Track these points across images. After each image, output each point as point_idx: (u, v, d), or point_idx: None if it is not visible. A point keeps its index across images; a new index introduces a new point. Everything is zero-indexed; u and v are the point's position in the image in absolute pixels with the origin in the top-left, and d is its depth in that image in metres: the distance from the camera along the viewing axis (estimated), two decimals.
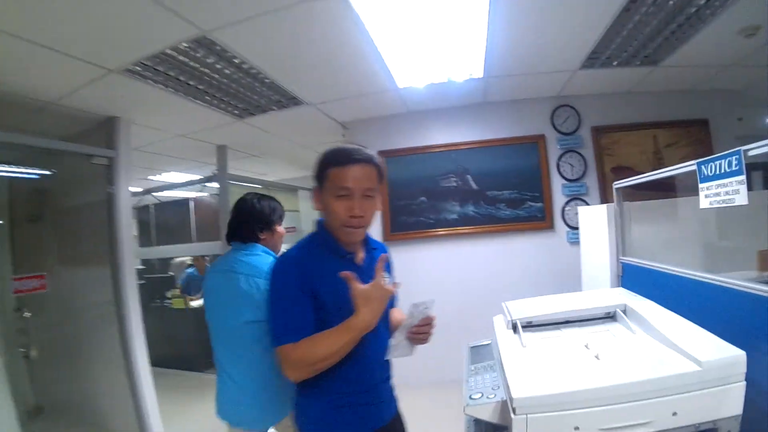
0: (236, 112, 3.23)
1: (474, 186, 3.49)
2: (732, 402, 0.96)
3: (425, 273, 3.44)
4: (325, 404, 1.12)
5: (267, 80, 2.69)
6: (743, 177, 1.33)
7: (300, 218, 5.93)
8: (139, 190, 4.80)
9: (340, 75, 2.76)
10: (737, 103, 4.03)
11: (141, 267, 5.83)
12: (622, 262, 2.39)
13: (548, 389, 1.01)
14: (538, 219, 3.47)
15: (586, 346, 1.23)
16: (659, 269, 1.93)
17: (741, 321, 1.29)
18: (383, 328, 1.22)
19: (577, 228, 3.49)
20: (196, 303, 4.69)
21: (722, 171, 1.43)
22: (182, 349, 4.55)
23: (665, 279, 1.85)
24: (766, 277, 2.30)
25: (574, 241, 3.48)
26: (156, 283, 5.11)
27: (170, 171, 5.03)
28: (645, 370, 1.03)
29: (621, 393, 0.98)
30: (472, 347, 1.50)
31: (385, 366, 1.23)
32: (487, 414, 1.11)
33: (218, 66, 2.41)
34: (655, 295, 1.58)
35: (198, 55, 2.24)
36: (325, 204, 1.14)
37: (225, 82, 2.66)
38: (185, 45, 2.12)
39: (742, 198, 1.34)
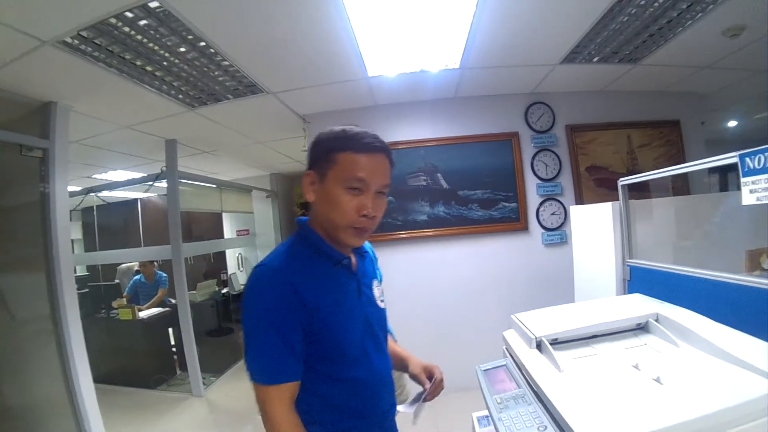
0: (187, 100, 2.92)
1: (445, 185, 3.29)
2: None
3: (392, 279, 3.20)
4: None
5: (224, 62, 2.40)
6: None
7: (254, 220, 5.65)
8: (79, 189, 4.39)
9: (307, 59, 2.50)
10: (706, 106, 4.06)
11: (85, 274, 5.39)
12: (629, 265, 2.23)
13: (622, 428, 0.81)
14: (512, 220, 3.31)
15: (636, 367, 1.04)
16: (677, 271, 1.81)
17: None
18: (385, 350, 1.09)
19: (552, 229, 3.37)
20: (145, 313, 4.33)
21: None
22: (132, 364, 4.19)
23: (684, 282, 1.73)
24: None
25: (550, 243, 3.35)
26: (100, 291, 4.67)
27: (116, 169, 4.61)
28: (724, 395, 0.86)
29: (710, 425, 0.80)
30: (486, 371, 1.25)
31: (390, 393, 1.07)
32: None
33: (169, 43, 2.11)
34: (674, 300, 1.45)
35: (146, 27, 1.95)
36: (328, 196, 0.91)
37: (176, 63, 2.35)
38: (132, 13, 1.82)
39: None
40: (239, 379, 4.32)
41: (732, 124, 5.05)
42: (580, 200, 3.37)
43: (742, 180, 1.42)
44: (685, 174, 3.73)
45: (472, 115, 3.39)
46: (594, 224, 2.50)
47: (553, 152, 3.42)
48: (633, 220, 2.28)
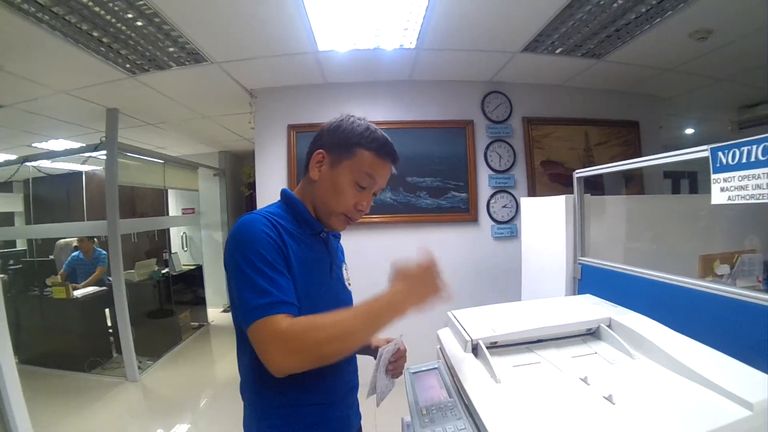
0: (128, 65, 2.79)
1: (393, 170, 3.23)
2: None
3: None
4: (294, 425, 0.93)
5: (165, 26, 2.29)
6: None
7: (200, 198, 5.53)
8: (13, 157, 4.20)
9: (252, 27, 2.40)
10: (665, 110, 4.13)
11: (23, 249, 5.19)
12: (581, 264, 2.13)
13: None
14: (462, 210, 3.28)
15: (585, 381, 0.94)
16: (631, 273, 1.74)
17: (757, 339, 1.12)
18: None
19: (503, 222, 3.35)
20: (80, 292, 4.17)
21: (753, 159, 1.21)
22: (64, 346, 4.01)
23: (638, 284, 1.66)
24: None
25: (500, 236, 3.34)
26: (35, 268, 4.49)
27: (57, 138, 4.41)
28: (685, 420, 0.77)
29: None
30: (414, 373, 1.14)
31: (354, 371, 1.09)
32: None
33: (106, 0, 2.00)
34: (627, 304, 1.34)
35: None
36: (335, 182, 0.96)
37: (114, 23, 2.24)
38: None
39: None
40: (177, 364, 4.21)
41: (689, 131, 5.16)
42: (532, 194, 3.36)
43: (713, 177, 1.32)
44: (641, 177, 3.78)
45: (426, 100, 3.33)
46: (546, 218, 2.41)
47: (508, 143, 3.40)
48: (587, 216, 2.18)
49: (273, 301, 0.80)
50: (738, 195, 1.23)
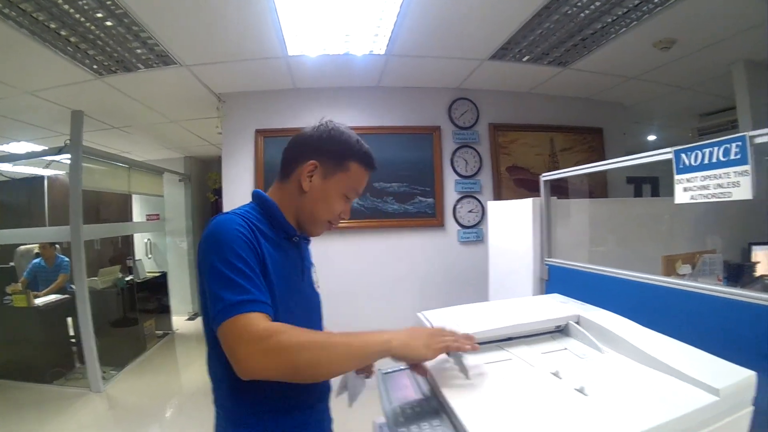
0: (95, 66, 2.92)
1: None
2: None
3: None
4: (272, 431, 0.97)
5: (134, 26, 2.40)
6: (748, 167, 1.21)
7: (164, 204, 5.68)
8: None
9: (222, 30, 2.53)
10: (628, 117, 4.45)
11: None
12: (548, 264, 2.27)
13: None
14: (428, 215, 3.52)
15: (557, 375, 1.00)
16: (597, 272, 1.83)
17: (719, 331, 1.21)
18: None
19: (469, 227, 3.60)
20: (42, 300, 4.27)
21: (714, 160, 1.33)
22: (25, 357, 4.09)
23: (605, 283, 1.74)
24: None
25: (466, 241, 3.58)
26: None
27: (20, 140, 4.53)
28: (655, 408, 0.84)
29: None
30: (386, 374, 1.16)
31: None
32: None
33: None
34: (594, 302, 1.41)
35: None
36: (325, 193, 1.03)
37: (83, 22, 2.34)
38: None
39: (744, 191, 1.21)
40: (142, 374, 4.32)
41: (652, 137, 5.52)
42: (498, 199, 3.61)
43: (676, 177, 1.43)
44: (605, 182, 4.08)
45: (394, 106, 3.58)
46: (513, 221, 2.59)
47: (474, 149, 3.66)
48: (553, 218, 2.34)
49: (249, 298, 0.81)
50: (700, 194, 1.36)
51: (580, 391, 0.90)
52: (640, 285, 1.56)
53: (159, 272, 5.75)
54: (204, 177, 6.39)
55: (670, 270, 2.68)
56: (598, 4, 2.39)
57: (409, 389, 1.06)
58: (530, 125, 3.83)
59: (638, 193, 4.65)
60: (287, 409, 0.98)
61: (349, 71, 3.28)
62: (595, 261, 2.20)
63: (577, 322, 1.24)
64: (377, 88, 3.58)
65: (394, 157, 3.51)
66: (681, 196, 1.41)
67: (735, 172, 1.24)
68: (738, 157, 1.23)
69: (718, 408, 0.81)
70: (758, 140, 1.17)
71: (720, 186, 1.29)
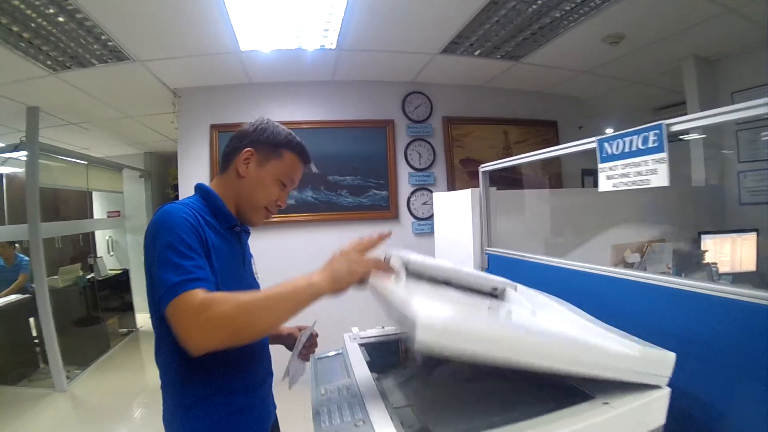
0: (49, 62, 2.95)
1: (314, 169, 3.57)
2: (656, 411, 0.90)
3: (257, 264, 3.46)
4: (222, 413, 1.02)
5: (87, 22, 2.44)
6: (665, 154, 1.26)
7: (124, 201, 5.73)
8: None
9: (174, 26, 2.61)
10: (581, 111, 4.64)
11: None
12: (487, 253, 2.34)
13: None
14: (383, 208, 3.66)
15: (493, 309, 1.05)
16: (536, 261, 1.86)
17: (652, 317, 1.22)
18: None
19: (423, 219, 3.74)
20: (3, 300, 4.29)
21: (634, 148, 1.38)
22: None
23: (546, 272, 1.76)
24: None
25: (420, 232, 3.73)
26: None
27: None
28: (587, 336, 0.90)
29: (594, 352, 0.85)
30: (319, 359, 1.26)
31: (269, 360, 1.21)
32: None
33: None
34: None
35: None
36: (261, 178, 1.12)
37: (35, 18, 2.38)
38: None
39: (661, 178, 1.27)
40: (107, 372, 4.39)
41: (609, 131, 5.74)
42: (452, 191, 3.76)
43: (600, 166, 1.48)
44: (560, 174, 4.26)
45: (348, 100, 3.71)
46: (455, 211, 2.66)
47: (428, 142, 3.81)
48: (493, 208, 2.41)
49: (191, 277, 0.86)
50: (621, 182, 1.40)
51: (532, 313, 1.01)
52: (577, 273, 1.58)
53: (121, 269, 5.80)
54: (164, 173, 6.46)
55: (618, 259, 2.83)
56: (540, 1, 2.51)
57: (337, 372, 1.13)
58: (484, 118, 3.99)
59: (595, 184, 4.87)
60: (233, 390, 1.04)
61: (302, 66, 3.37)
62: (547, 252, 2.25)
63: (515, 290, 1.28)
64: (331, 83, 3.70)
65: (348, 150, 3.64)
66: (604, 185, 1.46)
67: (653, 159, 1.30)
68: (656, 145, 1.29)
69: (637, 366, 0.88)
70: (674, 128, 1.23)
71: (639, 174, 1.34)
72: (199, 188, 1.14)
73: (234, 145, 1.15)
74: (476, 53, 3.28)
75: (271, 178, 1.13)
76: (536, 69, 3.60)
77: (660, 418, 0.88)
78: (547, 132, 4.21)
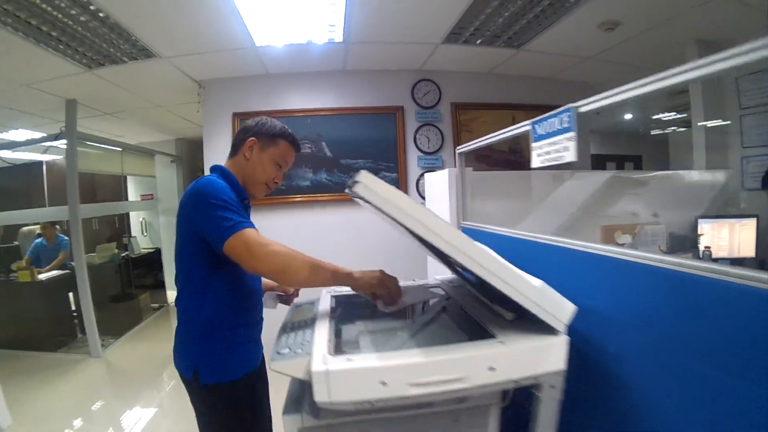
0: (85, 61, 3.34)
1: (328, 153, 3.90)
2: (554, 356, 1.01)
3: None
4: (228, 341, 1.34)
5: (117, 27, 2.81)
6: (574, 134, 1.43)
7: (156, 184, 6.16)
8: None
9: (194, 27, 2.95)
10: (592, 96, 4.77)
11: None
12: (462, 227, 2.59)
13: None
14: None
15: None
16: (497, 232, 2.08)
17: (577, 278, 1.34)
18: None
19: None
20: (45, 275, 4.76)
21: (554, 129, 1.53)
22: (31, 328, 4.61)
23: (506, 242, 1.93)
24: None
25: None
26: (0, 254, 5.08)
27: (17, 128, 5.00)
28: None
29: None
30: (297, 306, 1.53)
31: (261, 305, 1.55)
32: (294, 370, 1.03)
33: (62, 5, 2.51)
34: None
35: None
36: (262, 161, 1.48)
37: (70, 25, 2.75)
38: None
39: (571, 155, 1.44)
40: (138, 341, 4.86)
41: (628, 116, 5.86)
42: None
43: (533, 146, 1.66)
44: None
45: (359, 88, 3.99)
46: (437, 189, 2.99)
47: (436, 127, 4.07)
48: (468, 186, 2.68)
49: (247, 221, 1.26)
50: (545, 159, 1.58)
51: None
52: (533, 243, 1.70)
53: (153, 248, 6.31)
54: (195, 157, 6.83)
55: (608, 239, 3.00)
56: None
57: (305, 314, 1.39)
58: (491, 104, 4.21)
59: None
60: (237, 324, 1.37)
61: (314, 57, 3.66)
62: (534, 231, 2.55)
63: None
64: (343, 72, 3.98)
65: (360, 135, 3.94)
66: (535, 161, 1.64)
67: (566, 138, 1.47)
68: (567, 125, 1.46)
69: (538, 297, 1.02)
70: (582, 110, 1.39)
71: (557, 151, 1.52)
72: (219, 168, 1.48)
73: (240, 136, 1.51)
74: (478, 42, 3.47)
75: (270, 161, 1.49)
76: (538, 56, 3.76)
77: (559, 363, 1.01)
78: None
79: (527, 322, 1.07)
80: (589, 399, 1.25)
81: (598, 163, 6.73)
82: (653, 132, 6.48)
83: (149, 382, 3.85)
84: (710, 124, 3.66)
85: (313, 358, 0.98)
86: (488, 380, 0.97)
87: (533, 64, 4.00)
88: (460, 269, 1.58)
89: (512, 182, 3.15)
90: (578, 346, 1.21)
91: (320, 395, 0.92)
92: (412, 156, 4.03)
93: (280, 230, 3.82)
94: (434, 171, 3.99)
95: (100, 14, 2.68)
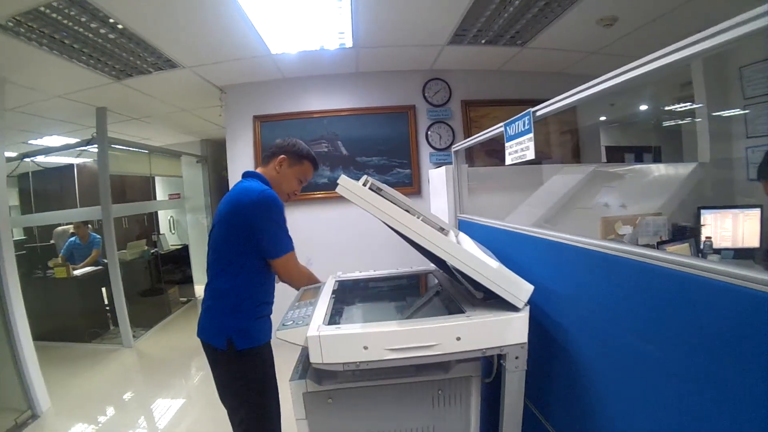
0: (113, 72, 3.66)
1: (344, 152, 4.17)
2: (516, 330, 1.17)
3: (296, 235, 4.08)
4: (252, 315, 1.68)
5: (142, 42, 3.09)
6: (532, 135, 1.65)
7: (183, 184, 6.51)
8: (14, 155, 5.16)
9: (213, 39, 3.23)
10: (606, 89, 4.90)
11: (21, 238, 6.18)
12: (459, 219, 2.87)
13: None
14: (406, 184, 4.19)
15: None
16: (487, 224, 2.27)
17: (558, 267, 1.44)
18: None
19: None
20: (80, 271, 5.14)
21: (519, 131, 1.73)
22: (67, 320, 4.98)
23: (493, 233, 2.13)
24: (610, 241, 2.97)
25: None
26: (37, 253, 5.48)
27: (51, 134, 5.37)
28: (476, 254, 1.25)
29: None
30: (305, 289, 1.73)
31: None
32: (294, 338, 1.23)
33: (93, 25, 2.78)
34: (489, 248, 1.74)
35: (72, 13, 2.60)
36: (287, 176, 1.85)
37: (100, 42, 3.04)
38: (58, 3, 2.50)
39: (530, 154, 1.67)
40: (167, 332, 5.23)
41: (643, 107, 5.95)
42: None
43: (506, 145, 1.87)
44: (578, 149, 4.63)
45: (372, 89, 4.24)
46: (439, 184, 3.20)
47: (447, 125, 4.30)
48: (464, 182, 2.94)
49: (292, 245, 1.71)
50: (513, 157, 1.79)
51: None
52: (518, 235, 1.80)
53: (181, 245, 6.70)
54: (220, 157, 7.17)
55: (609, 231, 3.15)
56: None
57: (312, 294, 1.61)
58: (501, 100, 4.40)
59: (639, 161, 5.14)
60: (260, 302, 1.73)
61: (327, 62, 3.91)
62: (536, 223, 2.76)
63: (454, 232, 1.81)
64: (356, 74, 4.23)
65: (374, 134, 4.20)
66: (508, 159, 1.87)
67: (527, 138, 1.70)
68: (527, 127, 1.69)
69: (496, 278, 1.18)
70: (539, 113, 1.62)
71: (522, 150, 1.74)
72: (259, 176, 1.81)
73: (273, 150, 1.87)
74: (482, 42, 3.65)
75: (294, 176, 1.87)
76: (543, 52, 3.93)
77: (520, 336, 1.16)
78: (565, 112, 4.55)
79: (498, 302, 1.21)
80: (552, 370, 1.42)
81: (616, 155, 6.81)
82: (666, 123, 6.56)
83: (178, 369, 4.18)
84: (718, 113, 3.78)
85: (310, 327, 1.19)
86: (456, 348, 1.14)
87: (541, 60, 4.16)
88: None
89: (507, 177, 3.37)
90: (542, 323, 1.45)
91: (314, 357, 1.13)
92: (425, 152, 4.26)
93: (302, 224, 4.11)
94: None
95: (126, 31, 2.95)
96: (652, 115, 6.34)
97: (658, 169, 3.58)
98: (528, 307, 1.19)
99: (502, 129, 1.93)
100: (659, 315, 0.92)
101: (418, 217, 1.32)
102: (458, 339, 1.13)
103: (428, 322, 1.17)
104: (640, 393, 1.00)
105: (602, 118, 5.47)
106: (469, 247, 1.53)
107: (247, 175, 1.83)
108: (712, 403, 0.79)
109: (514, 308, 1.18)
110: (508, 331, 1.16)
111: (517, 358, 1.18)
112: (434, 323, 1.16)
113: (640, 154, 7.05)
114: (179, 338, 5.02)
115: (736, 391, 0.73)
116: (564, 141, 4.68)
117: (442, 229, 1.73)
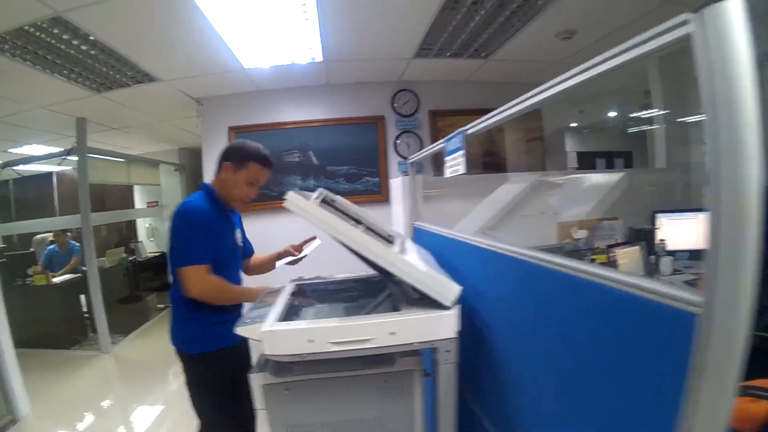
0: (94, 86, 3.89)
1: (315, 161, 4.41)
2: (445, 326, 1.28)
3: (270, 241, 4.29)
4: (208, 321, 1.76)
5: (121, 57, 3.29)
6: (463, 152, 1.89)
7: (161, 192, 6.74)
8: None
9: (187, 54, 3.45)
10: (570, 97, 5.17)
11: (1, 246, 6.36)
12: (414, 227, 3.07)
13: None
14: (375, 192, 4.45)
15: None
16: (435, 231, 2.41)
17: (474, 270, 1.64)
18: (238, 267, 2.13)
19: None
20: (59, 279, 5.33)
21: (455, 147, 1.97)
22: (47, 327, 5.16)
23: (440, 240, 2.26)
24: (566, 245, 3.21)
25: None
26: (17, 260, 5.64)
27: (32, 143, 5.59)
28: (412, 260, 1.36)
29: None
30: (269, 291, 1.80)
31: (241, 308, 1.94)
32: (252, 333, 1.35)
33: (74, 42, 2.94)
34: (439, 254, 1.94)
35: (55, 32, 2.77)
36: (235, 182, 1.86)
37: (81, 58, 3.22)
38: (42, 23, 2.63)
39: (462, 168, 1.90)
40: (144, 338, 5.44)
41: (612, 114, 6.26)
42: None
43: (446, 159, 2.09)
44: (543, 156, 4.91)
45: (342, 100, 4.49)
46: (396, 193, 3.47)
47: (415, 134, 4.56)
48: (419, 191, 3.19)
49: (198, 256, 1.69)
50: (451, 171, 2.03)
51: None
52: (473, 247, 1.83)
53: (159, 252, 6.92)
54: (197, 165, 7.41)
55: (564, 235, 3.38)
56: (490, 4, 2.98)
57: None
58: (467, 110, 4.64)
59: (610, 166, 5.42)
60: (216, 308, 1.80)
61: (299, 75, 4.14)
62: (488, 228, 3.05)
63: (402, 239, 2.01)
64: (327, 86, 4.49)
65: (344, 144, 4.45)
66: (447, 172, 2.09)
67: (460, 155, 1.94)
68: (459, 145, 1.95)
69: (424, 280, 1.30)
70: (470, 132, 1.88)
71: (457, 165, 1.98)
72: (205, 186, 1.92)
73: (220, 159, 1.90)
74: (448, 55, 3.88)
75: (242, 181, 1.86)
76: (507, 64, 4.18)
77: (450, 331, 1.29)
78: (531, 120, 4.82)
79: (431, 301, 1.32)
80: (487, 367, 1.58)
81: (587, 161, 7.10)
82: (631, 130, 6.86)
83: (155, 374, 4.37)
84: (683, 120, 4.06)
85: (264, 324, 1.32)
86: (390, 342, 1.27)
87: (504, 71, 4.41)
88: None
89: (475, 183, 3.62)
90: (478, 324, 1.64)
91: (268, 350, 1.28)
92: (393, 161, 4.52)
93: (272, 232, 4.31)
94: None
95: (105, 48, 3.15)
96: (620, 122, 6.66)
97: (596, 177, 3.86)
98: (459, 306, 1.31)
99: (444, 144, 2.18)
100: (571, 318, 1.04)
101: (361, 229, 1.43)
102: (392, 334, 1.26)
103: (366, 319, 1.32)
104: (556, 388, 1.14)
105: (573, 125, 5.74)
106: (410, 253, 1.68)
107: (199, 186, 1.96)
108: (609, 393, 0.92)
109: (445, 307, 1.31)
110: (439, 327, 1.28)
111: (448, 351, 1.32)
112: (371, 320, 1.30)
113: (611, 160, 7.39)
114: (156, 344, 5.22)
115: (622, 382, 0.87)
116: (530, 148, 4.95)
117: (389, 238, 1.84)
